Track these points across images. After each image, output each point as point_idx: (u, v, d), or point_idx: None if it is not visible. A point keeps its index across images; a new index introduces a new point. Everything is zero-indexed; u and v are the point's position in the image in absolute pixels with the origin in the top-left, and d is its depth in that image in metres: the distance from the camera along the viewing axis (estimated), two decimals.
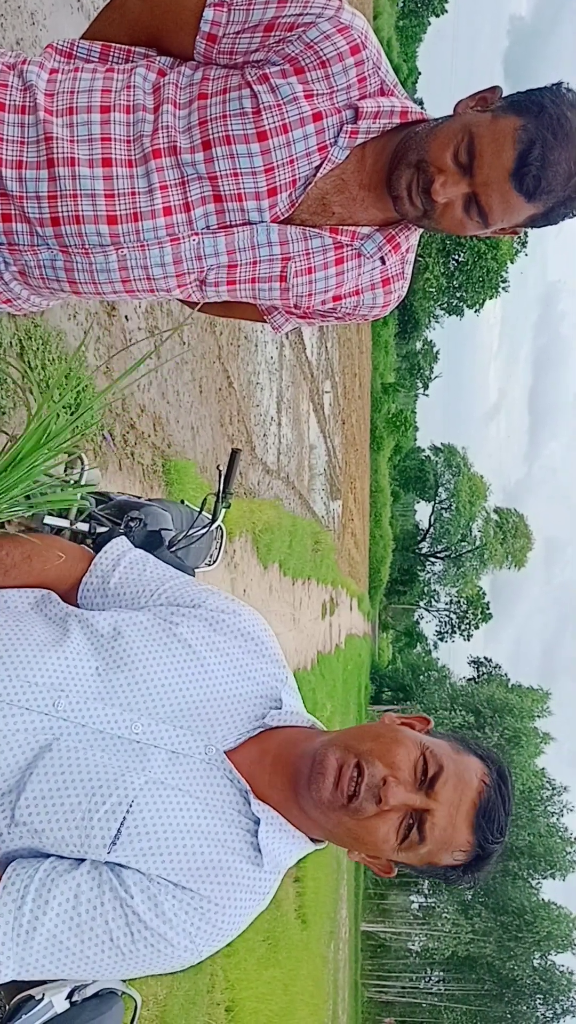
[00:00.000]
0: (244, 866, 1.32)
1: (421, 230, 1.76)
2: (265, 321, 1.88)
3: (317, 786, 1.29)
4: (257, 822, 1.33)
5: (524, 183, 1.52)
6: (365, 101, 1.59)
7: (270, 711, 1.41)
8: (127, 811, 1.25)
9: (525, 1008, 49.18)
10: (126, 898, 1.24)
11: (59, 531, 2.88)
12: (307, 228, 1.66)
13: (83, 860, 1.27)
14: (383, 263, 1.75)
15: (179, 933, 1.26)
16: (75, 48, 1.70)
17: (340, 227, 1.68)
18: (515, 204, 1.56)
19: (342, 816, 1.30)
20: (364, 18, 1.58)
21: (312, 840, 1.41)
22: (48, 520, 2.72)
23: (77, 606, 1.52)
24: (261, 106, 1.55)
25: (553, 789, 52.99)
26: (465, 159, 1.55)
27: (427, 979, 52.22)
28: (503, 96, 1.61)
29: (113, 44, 1.70)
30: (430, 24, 70.12)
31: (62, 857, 1.28)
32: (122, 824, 1.25)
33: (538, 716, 56.17)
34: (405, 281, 1.82)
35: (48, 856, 1.27)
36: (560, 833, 51.66)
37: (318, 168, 1.60)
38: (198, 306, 1.79)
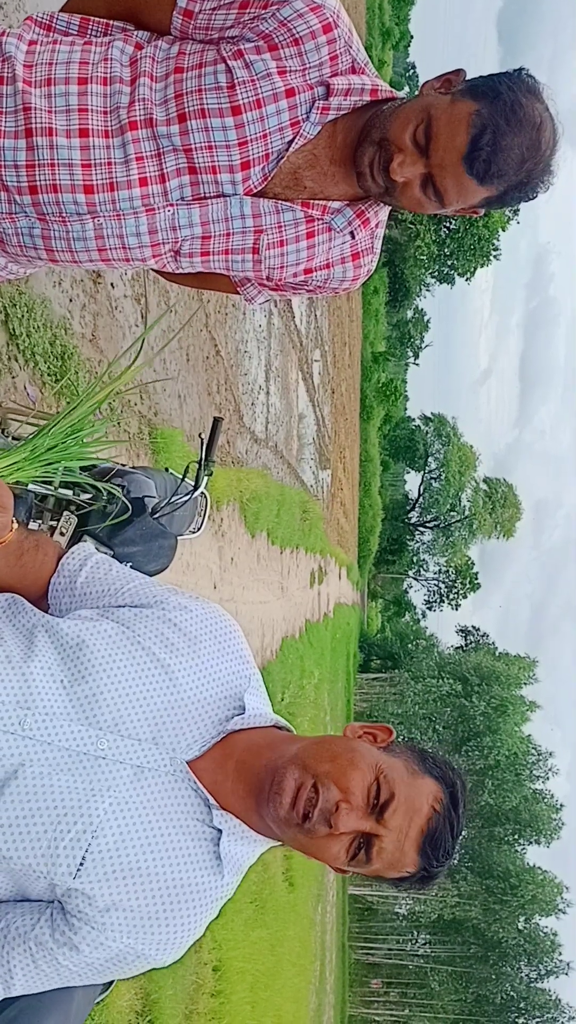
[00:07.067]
0: (205, 878, 1.39)
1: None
2: (238, 293, 1.92)
3: (275, 804, 1.35)
4: (220, 832, 1.40)
5: (475, 167, 1.57)
6: (336, 78, 1.63)
7: (234, 716, 1.45)
8: (92, 837, 1.32)
9: (510, 970, 49.91)
10: (78, 955, 1.34)
11: (43, 497, 2.92)
12: (279, 201, 1.69)
13: (36, 904, 1.37)
14: (353, 237, 1.79)
15: (139, 958, 1.37)
16: (54, 20, 1.73)
17: (312, 201, 1.72)
18: (468, 186, 1.60)
19: (296, 832, 1.37)
20: None
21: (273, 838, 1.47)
22: (32, 487, 2.75)
23: (46, 604, 1.57)
24: (235, 81, 1.58)
25: (539, 755, 53.50)
26: (423, 140, 1.59)
27: (414, 942, 52.81)
28: (466, 79, 1.64)
29: (92, 17, 1.72)
30: None
31: (19, 901, 1.38)
32: (87, 851, 1.32)
33: (525, 684, 56.57)
34: (374, 255, 1.86)
35: (13, 869, 1.34)
36: (546, 799, 52.24)
37: (290, 143, 1.64)
38: (170, 276, 1.83)
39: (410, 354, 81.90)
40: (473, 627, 69.63)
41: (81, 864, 1.31)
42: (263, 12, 1.58)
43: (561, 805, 52.44)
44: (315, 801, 1.34)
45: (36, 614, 1.49)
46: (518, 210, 55.41)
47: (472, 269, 61.73)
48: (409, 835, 1.37)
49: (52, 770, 1.33)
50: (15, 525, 1.48)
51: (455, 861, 1.45)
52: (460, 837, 1.42)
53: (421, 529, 76.22)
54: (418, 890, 1.46)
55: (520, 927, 49.08)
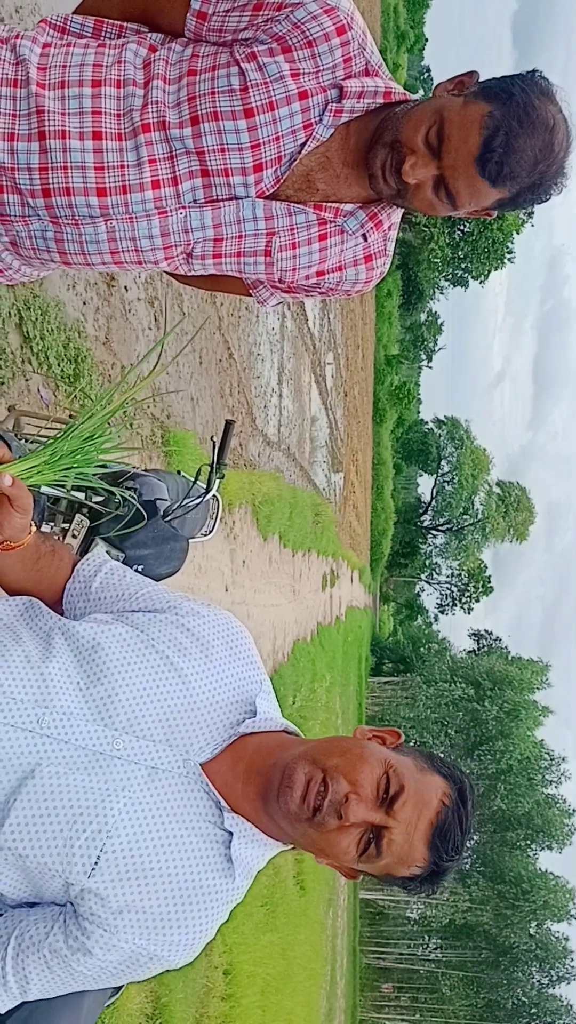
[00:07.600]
0: (217, 880, 1.40)
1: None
2: (250, 295, 1.92)
3: (285, 799, 1.36)
4: (231, 834, 1.41)
5: (487, 169, 1.56)
6: (350, 81, 1.62)
7: (245, 719, 1.46)
8: (107, 837, 1.34)
9: (521, 975, 49.66)
10: (91, 960, 1.36)
11: (56, 500, 2.93)
12: (292, 204, 1.69)
13: (49, 911, 1.38)
14: (365, 239, 1.78)
15: (152, 959, 1.39)
16: (68, 23, 1.73)
17: (324, 203, 1.72)
18: (480, 188, 1.60)
19: (307, 828, 1.37)
20: None
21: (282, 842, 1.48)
22: (45, 489, 2.76)
23: (61, 608, 1.58)
24: (248, 83, 1.58)
25: (552, 760, 53.26)
26: (435, 142, 1.59)
27: (425, 946, 52.60)
28: (479, 81, 1.64)
29: (106, 20, 1.73)
30: None
31: (32, 906, 1.40)
32: (102, 850, 1.33)
33: (538, 688, 56.30)
34: (387, 258, 1.86)
35: (29, 867, 1.36)
36: (558, 804, 52.00)
37: (303, 145, 1.63)
38: (182, 278, 1.83)
39: (423, 357, 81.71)
40: (486, 631, 69.38)
41: (96, 863, 1.33)
42: (277, 14, 1.58)
43: (574, 810, 52.17)
44: (325, 794, 1.35)
45: (53, 617, 1.52)
46: (532, 212, 55.27)
47: (486, 272, 61.63)
48: (418, 828, 1.38)
49: (69, 769, 1.35)
50: (33, 528, 1.50)
51: (465, 863, 1.44)
52: (469, 834, 1.42)
53: (434, 532, 76.00)
54: (427, 891, 1.46)
55: (532, 932, 48.80)
